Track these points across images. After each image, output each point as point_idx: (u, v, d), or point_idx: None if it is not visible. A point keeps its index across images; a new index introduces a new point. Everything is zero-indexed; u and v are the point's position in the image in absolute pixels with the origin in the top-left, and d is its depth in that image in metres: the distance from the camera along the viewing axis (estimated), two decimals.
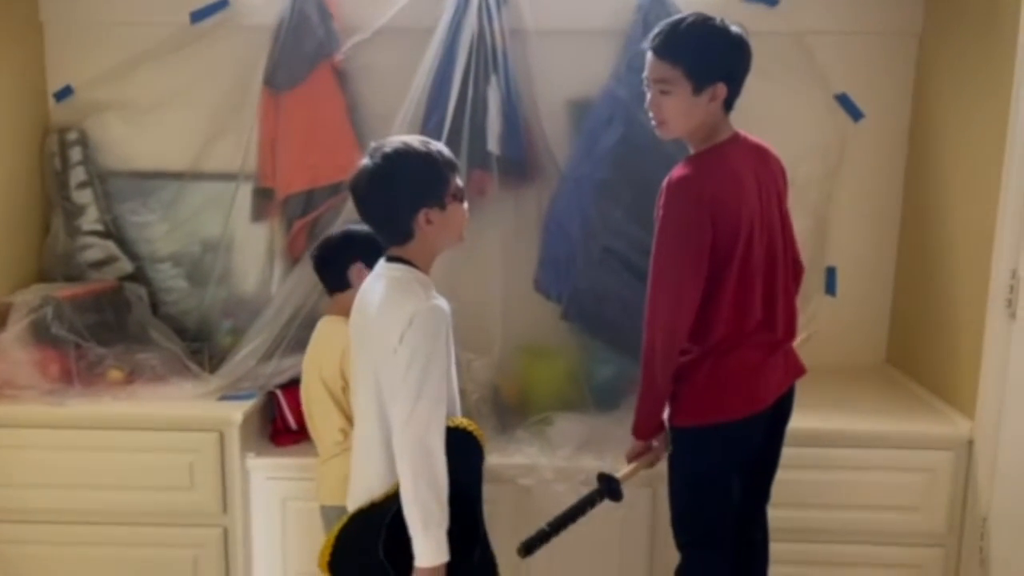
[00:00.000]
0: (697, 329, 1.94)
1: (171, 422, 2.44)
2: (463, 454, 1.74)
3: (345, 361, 2.05)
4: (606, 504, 2.03)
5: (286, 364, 2.57)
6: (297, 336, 2.57)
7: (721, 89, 1.91)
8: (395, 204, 1.70)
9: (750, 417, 1.97)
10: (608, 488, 2.01)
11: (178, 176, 2.82)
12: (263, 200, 2.75)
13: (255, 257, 2.78)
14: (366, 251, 2.07)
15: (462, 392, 2.54)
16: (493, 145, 2.63)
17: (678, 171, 1.92)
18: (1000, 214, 2.24)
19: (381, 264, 1.79)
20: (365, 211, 1.75)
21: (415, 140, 1.74)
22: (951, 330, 2.49)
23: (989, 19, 2.37)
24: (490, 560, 1.85)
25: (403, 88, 2.62)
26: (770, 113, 2.74)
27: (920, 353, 2.71)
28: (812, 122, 2.83)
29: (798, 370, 2.10)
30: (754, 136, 2.05)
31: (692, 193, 1.87)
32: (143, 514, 2.47)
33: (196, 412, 2.46)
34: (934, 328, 2.58)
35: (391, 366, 1.67)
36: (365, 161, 1.72)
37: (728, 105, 1.96)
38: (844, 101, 2.81)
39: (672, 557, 2.14)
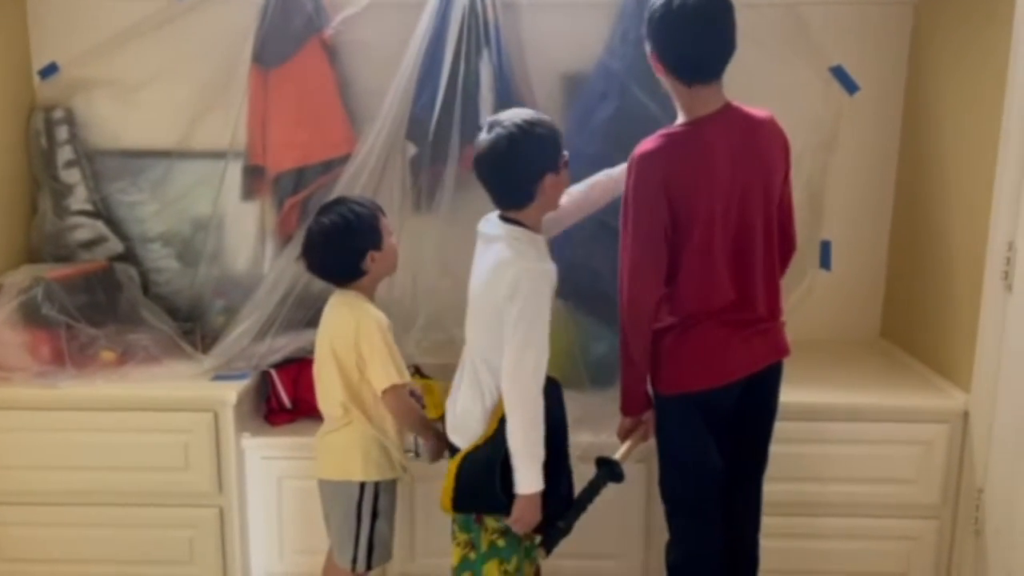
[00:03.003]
0: (669, 304, 1.98)
1: (165, 403, 2.42)
2: (555, 399, 1.96)
3: (361, 336, 2.04)
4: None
5: (279, 343, 2.56)
6: (291, 315, 2.56)
7: (657, 64, 1.94)
8: (526, 170, 1.88)
9: (710, 390, 1.99)
10: (610, 472, 2.05)
11: (167, 154, 2.79)
12: (254, 178, 2.73)
13: (246, 236, 2.76)
14: (373, 235, 2.09)
15: (455, 369, 2.57)
16: (486, 120, 2.59)
17: (644, 145, 1.93)
18: (997, 186, 2.22)
19: (497, 223, 1.95)
20: (493, 177, 1.92)
21: (533, 113, 1.94)
22: (946, 303, 2.49)
23: None
24: (572, 490, 2.03)
25: (394, 63, 2.58)
26: (764, 85, 2.71)
27: (915, 326, 2.71)
28: (806, 95, 2.80)
29: (779, 350, 2.07)
30: (756, 108, 2.00)
31: (647, 171, 1.90)
32: (138, 495, 2.47)
33: (190, 392, 2.45)
34: (929, 301, 2.58)
35: (502, 318, 1.85)
36: (494, 132, 1.88)
37: (690, 75, 1.90)
38: (839, 73, 2.79)
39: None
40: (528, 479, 1.87)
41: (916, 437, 2.40)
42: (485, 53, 2.60)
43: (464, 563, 2.04)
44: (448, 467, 1.98)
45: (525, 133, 1.87)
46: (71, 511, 2.48)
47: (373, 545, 2.13)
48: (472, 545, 2.02)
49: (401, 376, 2.07)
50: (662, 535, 2.19)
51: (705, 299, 1.96)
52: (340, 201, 2.14)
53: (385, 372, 2.05)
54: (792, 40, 2.75)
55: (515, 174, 1.89)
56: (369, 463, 2.10)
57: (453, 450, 2.02)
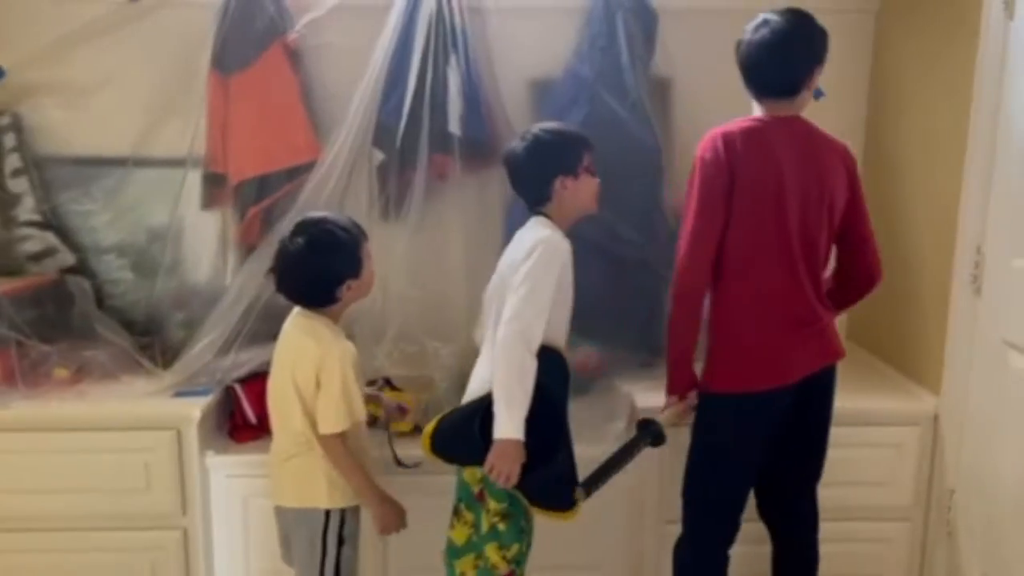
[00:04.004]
0: (725, 297, 2.04)
1: (124, 421, 2.32)
2: (557, 370, 1.98)
3: (322, 370, 1.95)
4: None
5: (244, 357, 2.48)
6: (255, 328, 2.48)
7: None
8: (539, 171, 2.03)
9: (768, 391, 2.02)
10: (650, 433, 2.09)
11: (121, 162, 2.68)
12: (214, 186, 2.65)
13: (207, 246, 2.68)
14: (353, 261, 2.00)
15: (429, 381, 2.53)
16: (454, 126, 2.57)
17: (716, 128, 2.06)
18: (964, 189, 2.26)
19: (531, 218, 2.06)
20: (512, 177, 2.09)
21: (562, 124, 2.13)
22: (914, 306, 2.52)
23: None
24: (573, 467, 2.00)
25: (360, 68, 2.54)
26: (730, 92, 2.73)
27: (883, 329, 2.74)
28: None
29: (835, 352, 2.11)
30: (825, 131, 2.09)
31: (718, 146, 2.00)
32: (97, 518, 2.36)
33: (150, 410, 2.36)
34: (897, 304, 2.61)
35: (513, 278, 1.92)
36: (521, 138, 2.06)
37: (752, 90, 2.08)
38: None
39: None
40: (505, 423, 1.86)
41: (886, 440, 2.42)
42: (453, 58, 2.56)
43: (469, 544, 2.00)
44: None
45: (538, 140, 2.04)
46: (26, 537, 2.36)
47: (340, 573, 2.04)
48: (505, 515, 1.98)
49: (348, 420, 1.96)
50: (646, 547, 2.18)
51: (762, 294, 2.01)
52: (322, 221, 1.99)
53: (334, 415, 1.94)
54: None
55: (528, 175, 2.06)
56: (334, 489, 2.01)
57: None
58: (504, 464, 1.86)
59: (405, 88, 2.54)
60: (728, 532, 2.12)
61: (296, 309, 2.06)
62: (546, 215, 2.05)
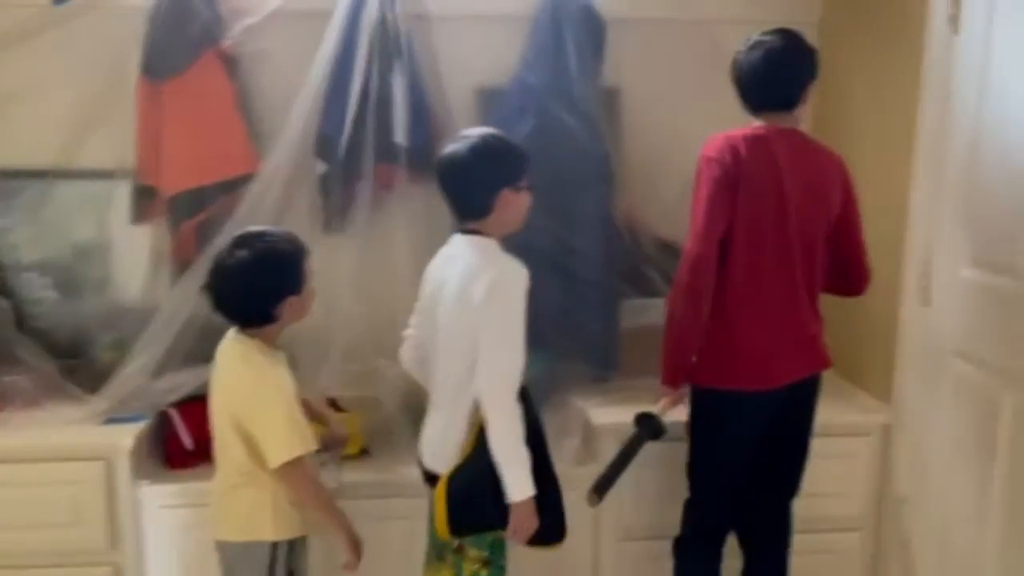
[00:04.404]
0: (720, 297, 2.04)
1: (49, 452, 2.19)
2: (529, 411, 1.89)
3: (260, 397, 1.85)
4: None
5: (180, 379, 2.35)
6: (191, 348, 2.36)
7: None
8: (484, 179, 1.88)
9: (755, 393, 2.05)
10: (650, 427, 2.08)
11: (43, 174, 2.52)
12: (145, 200, 2.52)
13: (138, 263, 2.55)
14: (295, 279, 1.89)
15: (376, 400, 2.44)
16: (400, 136, 2.49)
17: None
18: (912, 200, 2.27)
19: (457, 238, 1.94)
20: (453, 184, 1.91)
21: (500, 131, 1.96)
22: (864, 316, 2.53)
23: (889, 6, 2.40)
24: (561, 497, 1.98)
25: (300, 76, 2.44)
26: (679, 102, 2.73)
27: (833, 340, 2.71)
28: (719, 112, 2.79)
29: (823, 361, 2.15)
30: (820, 142, 2.16)
31: (726, 145, 2.04)
32: (20, 555, 2.21)
33: (78, 439, 2.22)
34: (847, 315, 2.61)
35: (477, 324, 1.81)
36: (459, 141, 1.89)
37: (751, 104, 2.12)
38: None
39: None
40: (519, 485, 1.82)
41: (838, 451, 2.41)
42: (397, 66, 2.48)
43: None
44: (435, 493, 1.89)
45: (488, 145, 1.89)
46: None
47: None
48: (487, 562, 1.95)
49: (303, 445, 1.85)
50: (603, 565, 2.14)
51: (758, 298, 2.03)
52: (263, 235, 1.90)
53: (286, 442, 1.82)
54: (703, 57, 2.75)
55: (474, 182, 1.89)
56: (281, 519, 1.90)
57: (433, 478, 1.93)
58: (527, 524, 1.85)
59: (347, 97, 2.45)
60: (720, 527, 2.20)
61: (230, 332, 1.95)
62: (480, 232, 1.90)
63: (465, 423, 1.88)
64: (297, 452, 1.84)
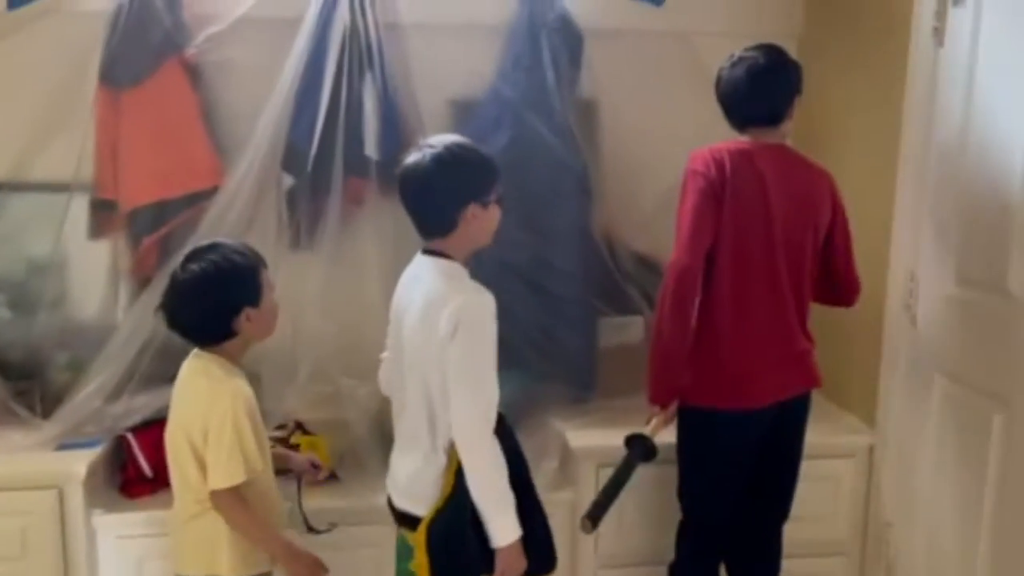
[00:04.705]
0: (706, 314, 2.02)
1: None
2: (506, 433, 1.78)
3: (211, 414, 1.75)
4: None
5: (138, 402, 2.25)
6: (150, 369, 2.26)
7: None
8: (449, 194, 1.73)
9: (741, 412, 2.02)
10: (642, 449, 2.01)
11: None
12: (103, 213, 2.42)
13: (95, 279, 2.44)
14: (252, 290, 1.80)
15: (345, 423, 2.34)
16: (371, 149, 2.41)
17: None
18: (897, 214, 2.23)
19: (420, 260, 1.81)
20: (416, 198, 1.76)
21: (468, 140, 1.80)
22: (847, 336, 2.47)
23: (871, 20, 2.36)
24: (548, 528, 1.89)
25: (267, 86, 2.36)
26: (657, 114, 2.68)
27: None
28: (698, 122, 2.74)
29: (812, 379, 2.12)
30: (809, 158, 2.14)
31: (712, 158, 2.01)
32: None
33: (28, 467, 2.12)
34: (830, 334, 2.54)
35: (445, 358, 1.69)
36: (422, 152, 1.74)
37: (735, 121, 2.10)
38: None
39: None
40: (504, 530, 1.72)
41: (821, 473, 2.35)
42: (368, 76, 2.41)
43: None
44: (415, 539, 1.77)
45: (454, 156, 1.74)
46: None
47: None
48: None
49: (242, 472, 1.74)
50: None
51: (745, 314, 2.00)
52: (214, 247, 1.81)
53: (225, 467, 1.72)
54: (685, 69, 2.70)
55: (438, 196, 1.74)
56: (238, 555, 1.79)
57: (405, 518, 1.81)
58: (514, 567, 1.75)
59: (317, 108, 2.37)
60: (715, 549, 2.16)
61: (193, 351, 1.86)
62: (442, 253, 1.77)
63: (442, 461, 1.75)
64: (234, 480, 1.74)
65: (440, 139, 1.78)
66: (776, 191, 2.00)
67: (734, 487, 2.11)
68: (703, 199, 1.97)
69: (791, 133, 2.17)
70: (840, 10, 2.54)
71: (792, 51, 2.78)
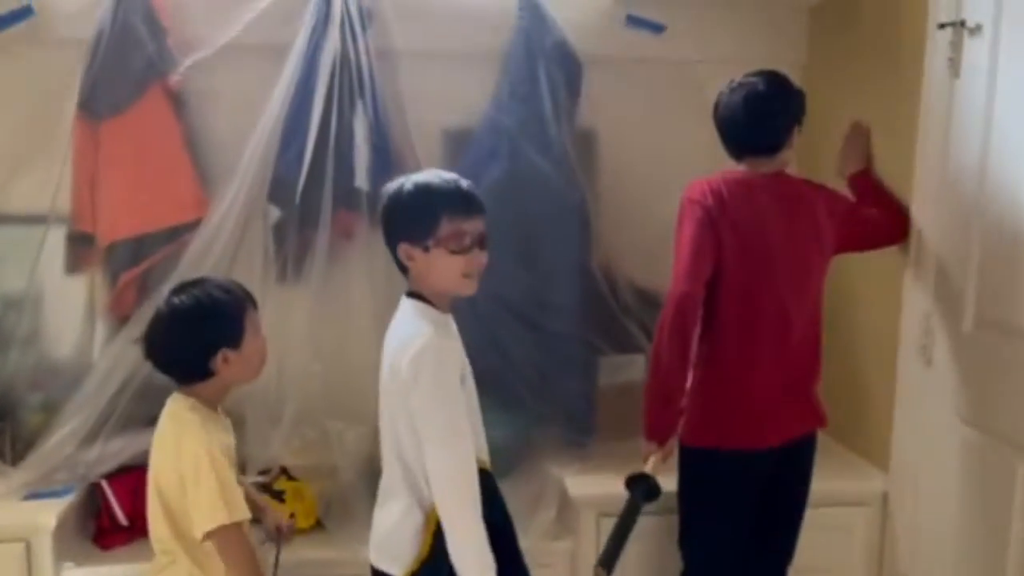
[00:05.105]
0: (709, 350, 1.97)
1: None
2: (489, 494, 1.67)
3: (183, 456, 1.65)
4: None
5: (114, 447, 2.14)
6: (128, 411, 2.15)
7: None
8: (389, 233, 1.68)
9: (745, 452, 1.95)
10: (645, 489, 1.93)
11: None
12: (80, 247, 2.31)
13: (71, 316, 2.32)
14: (231, 328, 1.72)
15: (332, 468, 2.23)
16: (361, 180, 2.31)
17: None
18: (910, 251, 2.13)
19: (402, 299, 1.72)
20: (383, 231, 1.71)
21: (431, 174, 1.70)
22: (860, 378, 2.38)
23: (879, 48, 2.29)
24: None
25: (253, 115, 2.27)
26: (658, 144, 2.60)
27: (827, 405, 2.57)
28: (701, 152, 2.65)
29: (817, 419, 2.07)
30: (802, 179, 2.11)
31: (707, 189, 1.96)
32: None
33: None
34: (842, 376, 2.45)
35: (409, 409, 1.60)
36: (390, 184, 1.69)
37: (732, 149, 2.05)
38: None
39: None
40: None
41: (833, 522, 2.24)
42: (359, 105, 2.32)
43: None
44: None
45: (393, 192, 1.67)
46: None
47: None
48: None
49: (232, 514, 1.64)
50: None
51: (747, 350, 1.95)
52: (200, 282, 1.76)
53: (211, 508, 1.63)
54: (686, 97, 2.62)
55: (386, 235, 1.69)
56: None
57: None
58: None
59: (305, 138, 2.27)
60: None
61: (173, 393, 1.77)
62: (421, 296, 1.68)
63: (419, 519, 1.64)
64: (225, 519, 1.63)
65: (411, 175, 1.70)
66: (776, 220, 1.95)
67: (737, 533, 2.02)
68: (701, 228, 1.91)
69: (792, 161, 2.10)
70: (846, 38, 2.46)
71: (796, 79, 2.72)
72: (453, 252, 1.63)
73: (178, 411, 1.71)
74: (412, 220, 1.64)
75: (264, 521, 1.92)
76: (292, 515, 2.07)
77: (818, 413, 2.07)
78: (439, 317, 1.68)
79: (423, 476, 1.62)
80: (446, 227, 1.62)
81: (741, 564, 2.06)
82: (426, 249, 1.63)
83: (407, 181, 1.67)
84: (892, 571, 2.22)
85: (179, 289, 1.76)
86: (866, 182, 2.25)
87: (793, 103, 2.03)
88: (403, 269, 1.69)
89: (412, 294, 1.70)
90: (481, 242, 1.66)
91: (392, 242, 1.67)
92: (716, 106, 2.06)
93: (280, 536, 1.90)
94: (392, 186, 1.68)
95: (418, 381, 1.58)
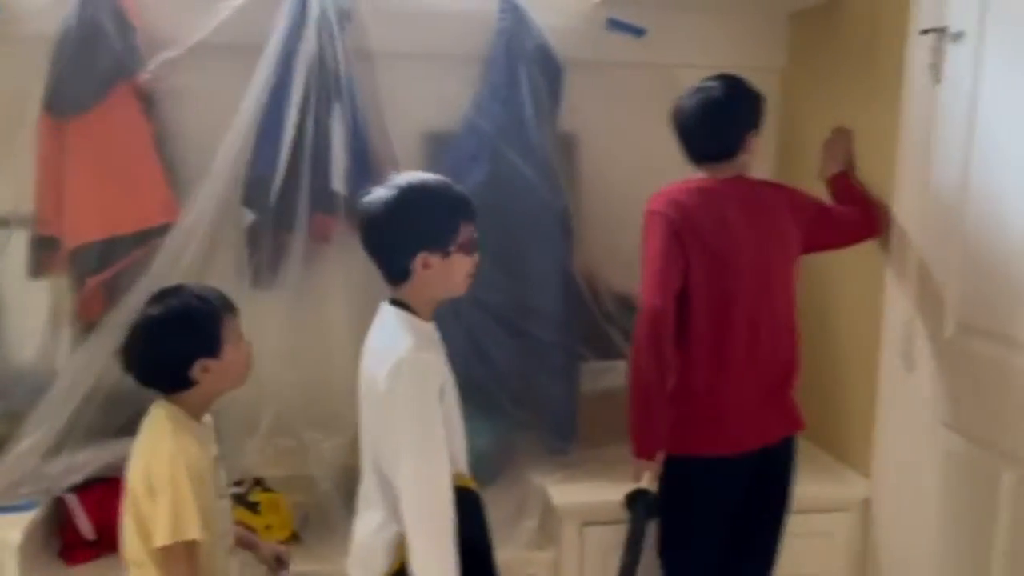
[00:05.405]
0: (681, 359, 1.96)
1: None
2: (471, 511, 1.64)
3: (155, 462, 1.61)
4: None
5: (80, 459, 2.08)
6: (95, 422, 2.08)
7: None
8: (397, 242, 1.62)
9: (719, 458, 1.95)
10: (645, 504, 1.91)
11: None
12: (44, 251, 2.22)
13: (35, 322, 2.23)
14: (207, 337, 1.67)
15: (309, 479, 2.17)
16: (338, 184, 2.26)
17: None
18: (891, 258, 2.13)
19: (382, 306, 1.69)
20: (368, 243, 1.66)
21: (434, 178, 1.68)
22: (841, 384, 2.38)
23: (860, 54, 2.29)
24: None
25: (226, 116, 2.20)
26: (638, 149, 2.57)
27: (808, 410, 2.56)
28: (681, 157, 2.65)
29: (794, 423, 2.06)
30: (762, 181, 2.12)
31: (668, 199, 1.97)
32: None
33: None
34: (823, 382, 2.45)
35: (384, 421, 1.58)
36: (381, 191, 1.63)
37: (690, 154, 2.05)
38: None
39: None
40: None
41: (815, 529, 2.23)
42: (336, 107, 2.26)
43: None
44: None
45: (406, 200, 1.60)
46: None
47: None
48: None
49: (185, 532, 1.57)
50: None
51: (720, 353, 1.94)
52: (178, 289, 1.72)
53: (165, 523, 1.57)
54: (666, 101, 2.59)
55: (384, 242, 1.64)
56: None
57: None
58: None
59: (280, 140, 2.21)
60: None
61: (156, 400, 1.72)
62: (405, 304, 1.64)
63: (393, 531, 1.59)
64: (170, 539, 1.57)
65: (404, 178, 1.66)
66: (739, 224, 1.95)
67: (716, 540, 2.01)
68: (666, 240, 1.92)
69: (752, 165, 2.10)
70: (826, 44, 2.46)
71: (775, 85, 2.73)
72: (467, 254, 1.65)
73: (156, 419, 1.67)
74: (435, 228, 1.61)
75: (260, 553, 1.87)
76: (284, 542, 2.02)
77: (795, 417, 2.07)
78: (423, 326, 1.64)
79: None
80: (463, 231, 1.63)
81: (722, 571, 2.05)
82: (446, 255, 1.62)
83: (407, 189, 1.61)
84: (875, 575, 2.23)
85: (156, 298, 1.72)
86: (844, 182, 2.25)
87: (750, 108, 2.03)
88: (399, 278, 1.63)
89: (396, 302, 1.65)
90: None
91: (406, 252, 1.60)
92: (674, 113, 2.06)
93: (281, 565, 1.84)
94: (387, 196, 1.60)
95: (394, 393, 1.54)
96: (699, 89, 2.02)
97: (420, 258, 1.60)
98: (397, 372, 1.54)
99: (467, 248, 1.65)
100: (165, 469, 1.59)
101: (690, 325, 1.95)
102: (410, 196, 1.61)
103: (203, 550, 1.63)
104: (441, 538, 1.53)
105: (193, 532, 1.58)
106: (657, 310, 1.88)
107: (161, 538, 1.58)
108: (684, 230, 1.92)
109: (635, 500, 1.91)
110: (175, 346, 1.66)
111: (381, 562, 1.60)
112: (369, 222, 1.63)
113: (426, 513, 1.54)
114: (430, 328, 1.67)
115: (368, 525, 1.64)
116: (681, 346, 1.96)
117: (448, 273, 1.64)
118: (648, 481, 1.92)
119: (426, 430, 1.55)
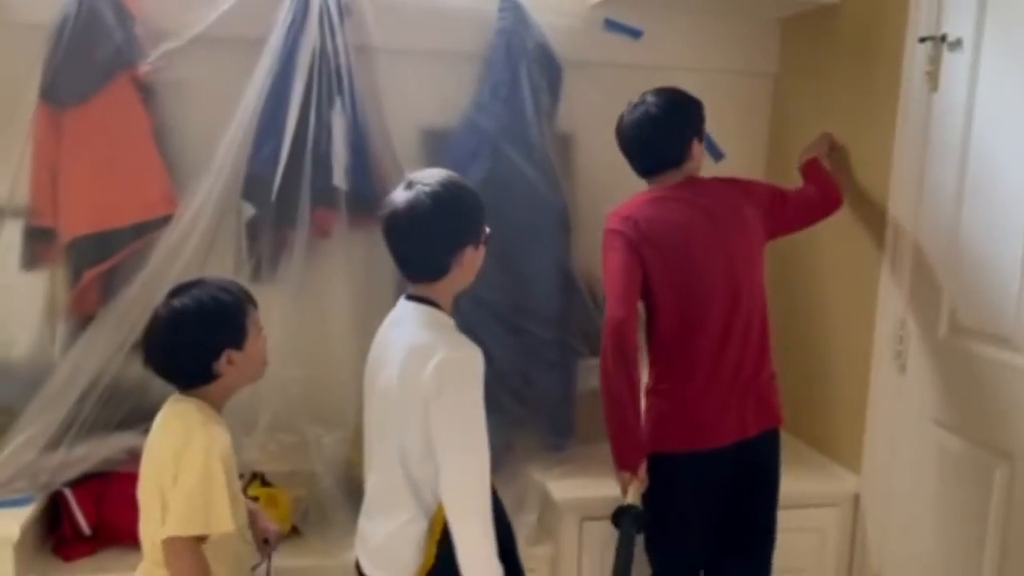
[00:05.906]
0: (651, 357, 2.03)
1: None
2: (498, 513, 1.65)
3: (182, 458, 1.59)
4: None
5: (77, 454, 2.04)
6: (93, 416, 2.05)
7: None
8: (446, 237, 1.62)
9: (695, 454, 1.97)
10: (634, 520, 1.91)
11: None
12: (40, 243, 2.18)
13: (29, 315, 2.19)
14: (234, 328, 1.67)
15: (310, 474, 2.17)
16: (339, 179, 2.25)
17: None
18: (885, 259, 2.18)
19: (404, 304, 1.68)
20: (407, 242, 1.63)
21: (454, 174, 1.69)
22: (833, 382, 2.42)
23: (854, 60, 2.34)
24: None
25: (228, 109, 2.19)
26: None
27: (799, 407, 2.61)
28: None
29: (772, 417, 2.06)
30: (713, 179, 2.13)
31: (621, 211, 2.03)
32: None
33: None
34: (814, 380, 2.50)
35: (427, 416, 1.55)
36: (414, 190, 1.61)
37: (637, 169, 2.11)
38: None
39: None
40: None
41: (805, 524, 2.28)
42: (338, 102, 2.26)
43: None
44: None
45: (452, 196, 1.62)
46: None
47: None
48: None
49: (203, 524, 1.57)
50: None
51: (691, 353, 1.97)
52: (200, 283, 1.70)
53: (185, 513, 1.56)
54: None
55: (434, 240, 1.62)
56: None
57: None
58: None
59: (281, 134, 2.20)
60: None
61: (173, 395, 1.71)
62: (431, 301, 1.64)
63: (423, 527, 1.61)
64: (192, 530, 1.57)
65: (430, 175, 1.65)
66: (696, 225, 1.99)
67: (697, 537, 2.03)
68: (623, 255, 1.97)
69: (700, 169, 2.14)
70: (819, 50, 2.50)
71: (768, 90, 2.78)
72: (484, 246, 1.69)
73: (187, 413, 1.64)
74: (476, 222, 1.66)
75: (253, 530, 1.86)
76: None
77: (773, 411, 2.07)
78: (449, 320, 1.65)
79: (428, 485, 1.59)
80: (485, 223, 1.68)
81: (718, 571, 2.08)
82: (477, 247, 1.67)
83: (449, 186, 1.62)
84: (863, 571, 2.27)
85: (178, 291, 1.70)
86: (812, 165, 2.28)
87: (689, 118, 2.08)
88: (438, 275, 1.63)
89: (417, 298, 1.65)
90: None
91: (452, 249, 1.62)
92: (616, 131, 2.11)
93: (268, 547, 1.83)
94: (429, 194, 1.59)
95: (443, 391, 1.54)
96: (636, 106, 2.07)
97: (466, 253, 1.63)
98: (444, 367, 1.54)
99: (486, 240, 1.70)
100: (199, 460, 1.58)
101: (659, 327, 2.00)
102: (454, 193, 1.62)
103: (230, 539, 1.63)
104: (489, 533, 1.56)
105: (225, 525, 1.59)
106: (619, 320, 1.92)
107: (170, 528, 1.57)
108: (639, 244, 1.96)
109: (622, 517, 1.92)
110: (204, 337, 1.65)
111: (410, 560, 1.60)
112: (414, 221, 1.59)
113: (480, 508, 1.56)
114: (453, 323, 1.68)
115: (391, 524, 1.63)
116: (655, 349, 2.02)
117: (474, 266, 1.68)
118: (633, 495, 1.93)
119: (476, 424, 1.57)
